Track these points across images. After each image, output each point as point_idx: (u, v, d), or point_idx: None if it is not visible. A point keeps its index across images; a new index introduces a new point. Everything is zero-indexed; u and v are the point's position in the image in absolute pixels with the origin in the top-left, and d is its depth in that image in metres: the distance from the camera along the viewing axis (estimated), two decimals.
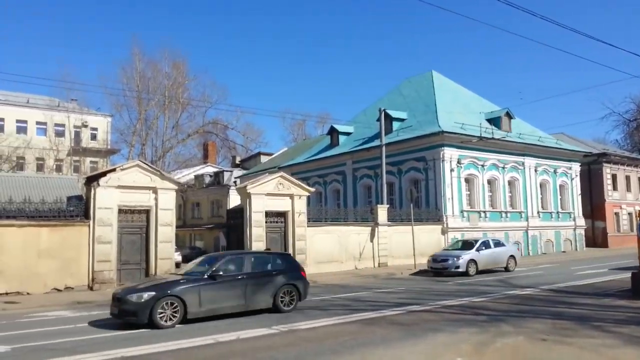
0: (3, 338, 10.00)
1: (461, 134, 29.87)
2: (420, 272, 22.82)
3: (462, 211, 30.21)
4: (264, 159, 56.04)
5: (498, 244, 23.70)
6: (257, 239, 21.24)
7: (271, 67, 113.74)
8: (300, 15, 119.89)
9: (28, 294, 16.48)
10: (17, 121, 48.90)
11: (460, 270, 21.17)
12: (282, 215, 22.45)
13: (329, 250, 23.81)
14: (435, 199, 29.76)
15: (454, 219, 29.53)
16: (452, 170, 29.85)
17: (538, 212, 34.59)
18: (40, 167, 46.56)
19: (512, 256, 23.37)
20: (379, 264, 25.30)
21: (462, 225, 29.94)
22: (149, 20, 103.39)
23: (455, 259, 21.49)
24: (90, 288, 17.51)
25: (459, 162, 30.30)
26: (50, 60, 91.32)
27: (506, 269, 22.80)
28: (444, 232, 28.94)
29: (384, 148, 27.78)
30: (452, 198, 29.65)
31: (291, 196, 22.48)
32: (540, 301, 13.78)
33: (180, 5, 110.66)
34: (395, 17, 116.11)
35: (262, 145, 68.45)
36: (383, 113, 28.55)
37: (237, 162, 61.91)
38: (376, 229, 25.55)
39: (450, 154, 29.86)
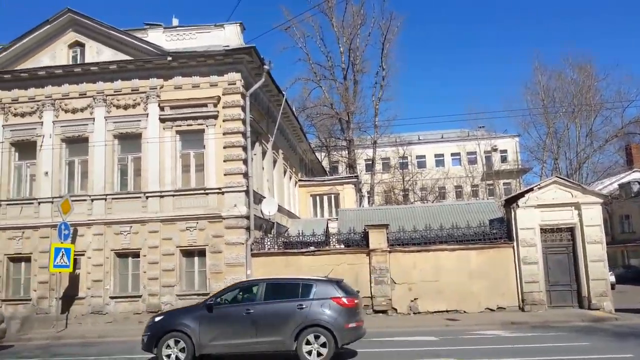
0: (451, 351, 11.10)
1: None
2: None
3: None
4: None
5: None
6: None
7: None
8: None
9: (464, 312, 17.69)
10: (435, 155, 57.07)
11: None
12: None
13: None
14: None
15: None
16: None
17: None
18: (458, 194, 51.25)
19: None
20: None
21: None
22: (546, 29, 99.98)
23: None
24: (521, 309, 17.50)
25: None
26: (459, 97, 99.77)
27: None
28: None
29: None
30: None
31: None
32: None
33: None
34: None
35: None
36: None
37: None
38: None
39: None
